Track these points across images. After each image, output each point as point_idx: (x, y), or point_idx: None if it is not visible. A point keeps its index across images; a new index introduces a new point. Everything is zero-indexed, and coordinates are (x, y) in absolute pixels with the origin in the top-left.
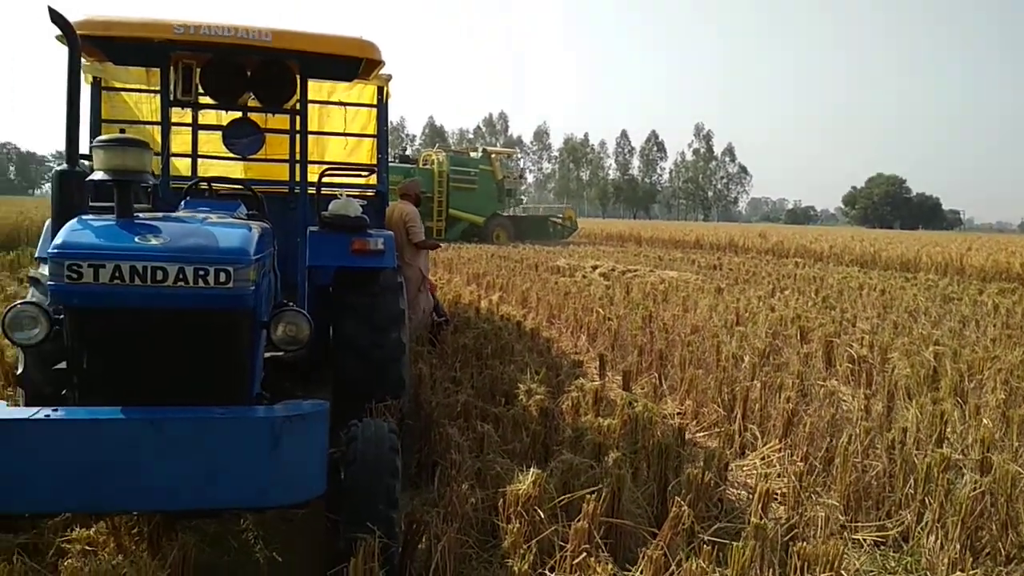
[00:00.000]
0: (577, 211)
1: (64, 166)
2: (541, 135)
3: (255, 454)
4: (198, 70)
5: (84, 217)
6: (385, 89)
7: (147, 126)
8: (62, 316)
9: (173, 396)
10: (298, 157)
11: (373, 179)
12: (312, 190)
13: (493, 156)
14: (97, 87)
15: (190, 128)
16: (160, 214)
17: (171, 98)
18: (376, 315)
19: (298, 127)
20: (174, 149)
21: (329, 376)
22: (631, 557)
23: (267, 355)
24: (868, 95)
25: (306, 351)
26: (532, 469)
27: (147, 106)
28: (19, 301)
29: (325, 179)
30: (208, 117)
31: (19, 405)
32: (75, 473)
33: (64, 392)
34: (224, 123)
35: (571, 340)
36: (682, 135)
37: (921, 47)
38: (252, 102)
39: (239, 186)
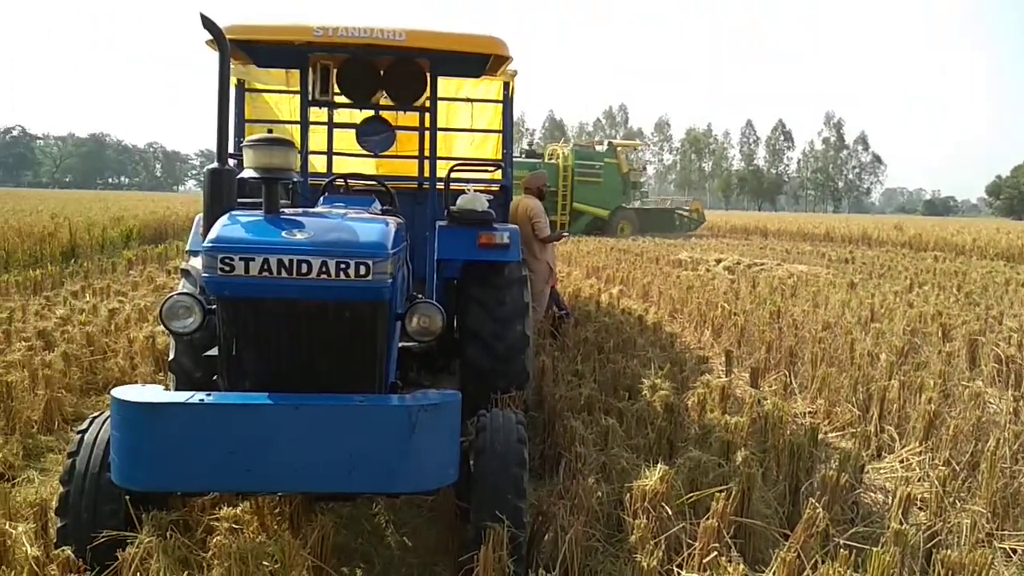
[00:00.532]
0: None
1: (215, 164)
2: (662, 126)
3: (392, 441)
4: (335, 70)
5: (235, 213)
6: (511, 84)
7: (287, 125)
8: (214, 306)
9: (315, 383)
10: (427, 153)
11: (498, 174)
12: (440, 185)
13: (619, 149)
14: (241, 89)
15: (326, 127)
16: (303, 210)
17: (310, 98)
18: (501, 307)
19: (427, 124)
20: (311, 147)
21: (454, 367)
22: (761, 558)
23: (399, 346)
24: (1015, 77)
25: (434, 342)
26: (659, 465)
27: (286, 106)
28: (175, 292)
29: (452, 174)
30: (342, 116)
31: (169, 390)
32: (225, 454)
33: (214, 377)
34: (357, 121)
35: (695, 335)
36: (811, 124)
37: None
38: (384, 100)
39: (373, 182)
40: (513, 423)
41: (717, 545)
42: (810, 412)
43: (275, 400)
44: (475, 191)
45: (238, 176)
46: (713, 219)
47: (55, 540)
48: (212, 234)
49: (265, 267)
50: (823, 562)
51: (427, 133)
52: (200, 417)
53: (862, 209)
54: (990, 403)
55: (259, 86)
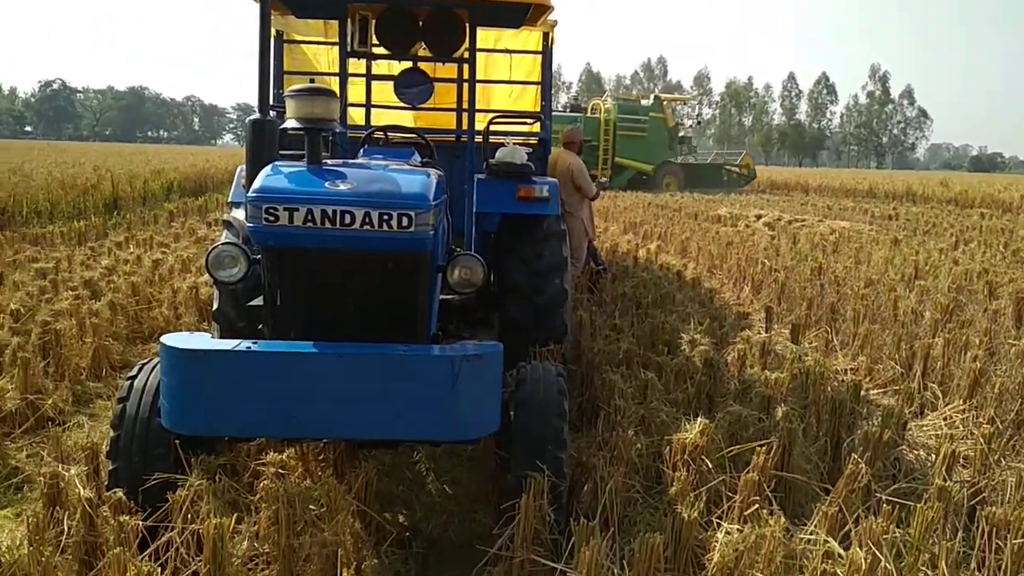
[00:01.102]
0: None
1: (257, 115)
2: (701, 79)
3: (435, 390)
4: (373, 21)
5: (278, 164)
6: (550, 35)
7: (325, 77)
8: (259, 256)
9: (358, 333)
10: (466, 105)
11: (537, 127)
12: (479, 138)
13: (665, 103)
14: (280, 40)
15: (364, 79)
16: (344, 161)
17: (348, 49)
18: (540, 261)
19: (466, 75)
20: (348, 100)
21: (492, 321)
22: (801, 512)
23: (439, 298)
24: None
25: (472, 295)
26: (699, 419)
27: (325, 58)
28: (220, 242)
29: (490, 127)
30: (380, 68)
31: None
32: (271, 401)
33: (259, 327)
34: (395, 73)
35: (734, 291)
36: (856, 77)
37: None
38: (423, 52)
39: (412, 135)
40: (553, 375)
41: (757, 498)
42: (851, 369)
43: (319, 349)
44: (514, 144)
45: (280, 127)
46: None
47: (107, 483)
48: (256, 184)
49: (309, 217)
50: (865, 517)
51: (466, 85)
52: (247, 364)
53: (906, 165)
54: None
55: (298, 37)
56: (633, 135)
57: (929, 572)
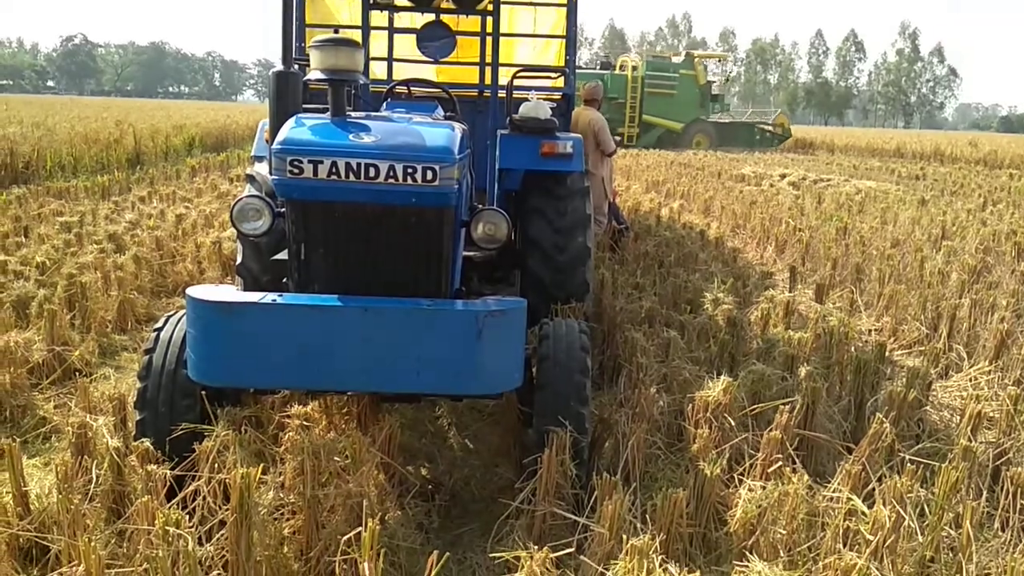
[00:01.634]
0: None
1: (280, 68)
2: (727, 36)
3: (459, 345)
4: None
5: (301, 116)
6: None
7: (347, 30)
8: (283, 209)
9: (382, 287)
10: (489, 59)
11: (561, 82)
12: (502, 93)
13: (697, 60)
14: None
15: (386, 32)
16: (370, 114)
17: (371, 1)
18: (563, 218)
19: (489, 29)
20: (371, 53)
21: (514, 278)
22: (823, 471)
23: (463, 254)
24: None
25: (494, 252)
26: (722, 377)
27: (347, 11)
28: (244, 195)
29: (514, 82)
30: (402, 21)
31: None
32: (296, 354)
33: (283, 280)
34: (418, 27)
35: (757, 251)
36: (885, 35)
37: None
38: (446, 4)
39: (436, 89)
40: (576, 332)
41: (780, 456)
42: (876, 329)
43: (344, 302)
44: (537, 99)
45: (304, 80)
46: None
47: (134, 433)
48: (280, 136)
49: (333, 170)
50: (889, 476)
51: (489, 39)
52: (272, 317)
53: (934, 125)
54: None
55: None
56: (662, 92)
57: (952, 531)
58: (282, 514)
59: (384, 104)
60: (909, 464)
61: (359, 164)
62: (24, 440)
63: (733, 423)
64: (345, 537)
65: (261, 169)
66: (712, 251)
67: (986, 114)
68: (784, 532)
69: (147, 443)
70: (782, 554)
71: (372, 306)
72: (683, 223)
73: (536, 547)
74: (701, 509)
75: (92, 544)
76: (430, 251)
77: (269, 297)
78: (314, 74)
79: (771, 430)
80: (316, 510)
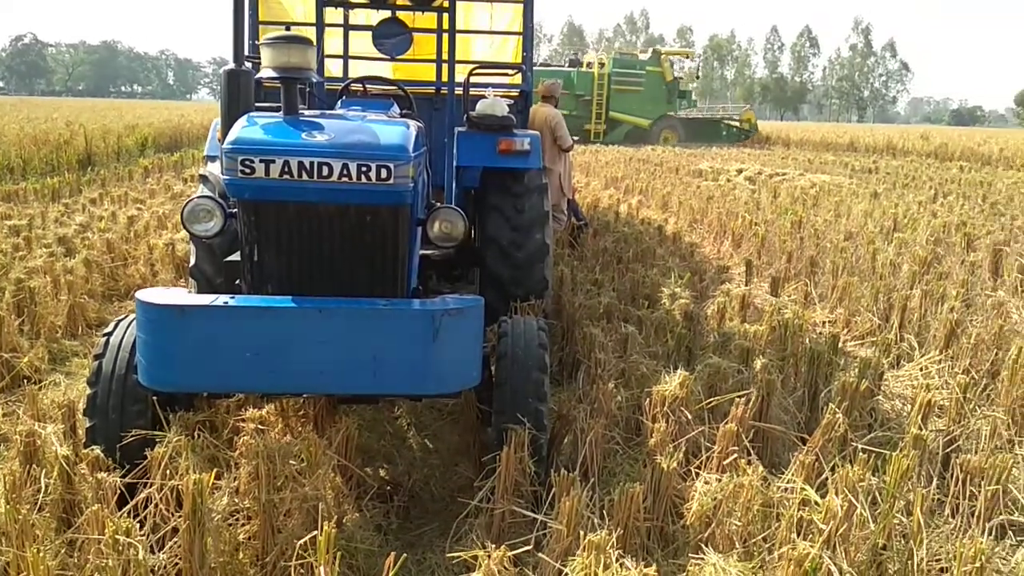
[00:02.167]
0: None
1: (231, 65)
2: (684, 33)
3: (416, 344)
4: None
5: (253, 115)
6: None
7: (301, 27)
8: (235, 210)
9: (337, 288)
10: (445, 56)
11: (518, 78)
12: (459, 90)
13: (663, 57)
14: None
15: (341, 29)
16: (323, 112)
17: None
18: (520, 215)
19: (445, 26)
20: (326, 51)
21: (473, 276)
22: (778, 462)
23: (420, 253)
24: None
25: (453, 250)
26: (679, 371)
27: (301, 7)
28: (196, 195)
29: (471, 79)
30: (357, 18)
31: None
32: (250, 357)
33: (236, 282)
34: (373, 24)
35: (714, 245)
36: (839, 30)
37: None
38: (402, 1)
39: (391, 86)
40: (535, 329)
41: (736, 448)
42: (830, 321)
43: (298, 303)
44: (494, 96)
45: (255, 77)
46: None
47: (84, 440)
48: (231, 135)
49: (286, 169)
50: (841, 465)
51: (445, 35)
52: (224, 319)
53: (887, 119)
54: (1012, 313)
55: None
56: (629, 89)
57: (904, 518)
58: (237, 519)
59: (339, 102)
60: (861, 453)
61: (312, 163)
62: None
63: (690, 416)
64: (301, 541)
65: (214, 169)
66: (670, 246)
67: (937, 108)
68: (739, 524)
69: (97, 450)
70: (737, 545)
71: (327, 307)
72: (641, 219)
73: (494, 546)
74: (658, 503)
75: (41, 555)
76: (386, 250)
77: (220, 299)
78: (266, 72)
79: (727, 423)
80: (271, 515)
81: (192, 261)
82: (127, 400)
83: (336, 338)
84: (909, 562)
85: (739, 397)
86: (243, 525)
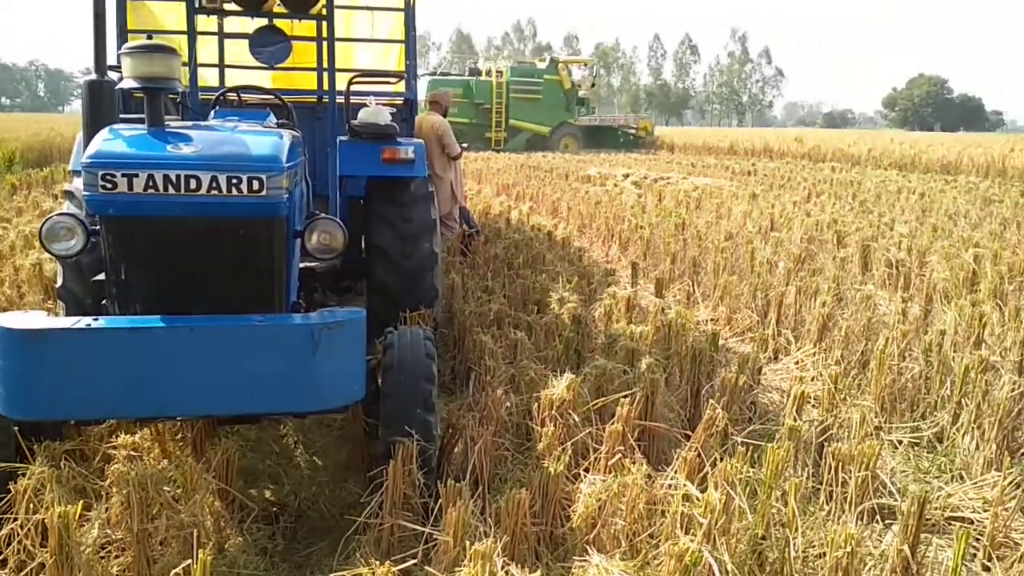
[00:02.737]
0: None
1: (93, 76)
2: (571, 40)
3: (294, 361)
4: None
5: (116, 127)
6: None
7: (173, 35)
8: (99, 227)
9: (211, 305)
10: (325, 65)
11: (402, 86)
12: (341, 99)
13: (560, 65)
14: None
15: (216, 37)
16: (191, 123)
17: (196, 5)
18: (407, 224)
19: (325, 34)
20: (200, 60)
21: (362, 287)
22: (664, 459)
23: (301, 265)
24: None
25: (339, 261)
26: (566, 374)
27: (172, 15)
28: (55, 213)
29: (353, 87)
30: (233, 26)
31: (58, 316)
32: (117, 381)
33: (104, 303)
34: (250, 31)
35: (603, 249)
36: (718, 37)
37: None
38: (278, 8)
39: (268, 95)
40: (421, 339)
41: (622, 448)
42: (712, 319)
43: (167, 323)
44: (378, 104)
45: (116, 87)
46: None
47: None
48: (91, 149)
49: (150, 183)
50: (721, 459)
51: (325, 43)
52: (87, 342)
53: (765, 123)
54: (880, 305)
55: None
56: (528, 97)
57: (781, 507)
58: (109, 552)
59: (212, 112)
60: (740, 447)
61: (178, 176)
62: None
63: (577, 419)
64: (176, 570)
65: (80, 184)
66: (559, 251)
67: (811, 111)
68: (624, 523)
69: None
70: (623, 544)
71: (198, 325)
72: (532, 225)
73: (378, 562)
74: (547, 507)
75: None
76: (261, 264)
77: (83, 322)
78: (127, 83)
79: (613, 423)
80: (146, 544)
81: (59, 282)
82: None
83: (209, 358)
84: (786, 550)
85: (624, 397)
86: (116, 557)
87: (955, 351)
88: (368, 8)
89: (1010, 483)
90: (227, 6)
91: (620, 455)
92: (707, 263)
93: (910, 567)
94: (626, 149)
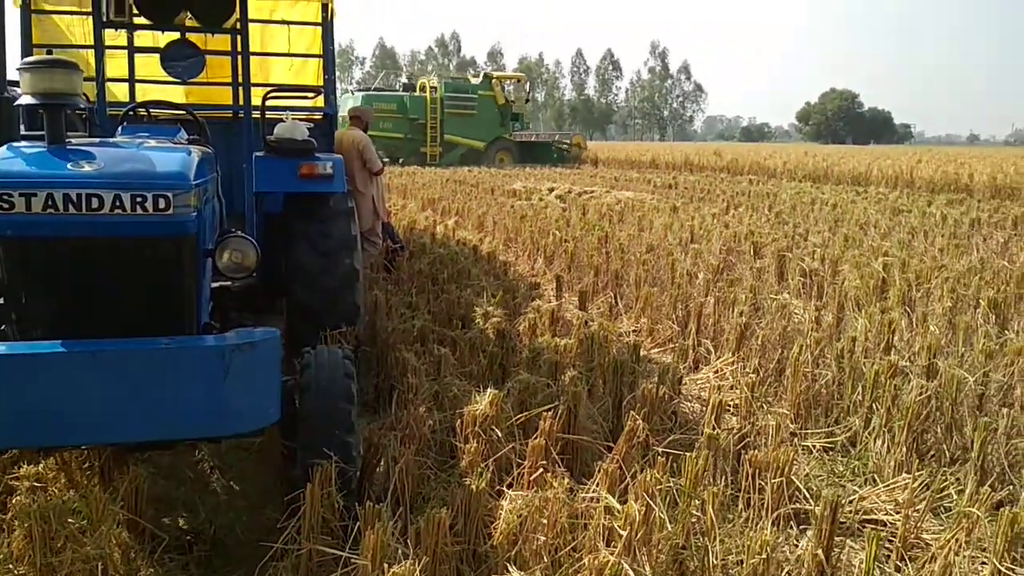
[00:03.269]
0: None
1: None
2: (495, 55)
3: (205, 384)
4: None
5: (14, 144)
6: (330, 6)
7: (81, 50)
8: None
9: (118, 328)
10: (240, 79)
11: (320, 101)
12: (256, 114)
13: (494, 81)
14: (26, 10)
15: (126, 51)
16: (94, 140)
17: (103, 19)
18: (327, 241)
19: (239, 48)
20: (111, 74)
21: (282, 306)
22: (587, 471)
23: (215, 285)
24: (820, 10)
25: (256, 280)
26: (489, 390)
27: (80, 29)
28: None
29: (269, 102)
30: (145, 39)
31: None
32: (18, 409)
33: (2, 327)
34: (162, 45)
35: (528, 263)
36: (638, 53)
37: None
38: (190, 22)
39: (179, 111)
40: (339, 358)
41: (545, 462)
42: (634, 331)
43: (70, 348)
44: (295, 119)
45: (15, 103)
46: None
47: None
48: None
49: (50, 203)
50: (642, 470)
51: (239, 57)
52: None
53: (685, 137)
54: (795, 313)
55: (47, 7)
56: (462, 113)
57: (700, 516)
58: None
59: (120, 129)
60: (660, 457)
61: (80, 195)
62: None
63: (500, 434)
64: None
65: None
66: (485, 265)
67: (730, 125)
68: (545, 538)
69: None
70: (545, 559)
71: (102, 350)
72: (458, 239)
73: None
74: (469, 525)
75: None
76: (169, 285)
77: None
78: (25, 99)
79: (535, 438)
80: None
81: None
82: None
83: (114, 383)
84: (706, 558)
85: (547, 411)
86: None
87: (866, 357)
88: (285, 22)
89: (920, 485)
90: (137, 20)
91: (543, 469)
92: (629, 275)
93: (825, 571)
94: (561, 164)
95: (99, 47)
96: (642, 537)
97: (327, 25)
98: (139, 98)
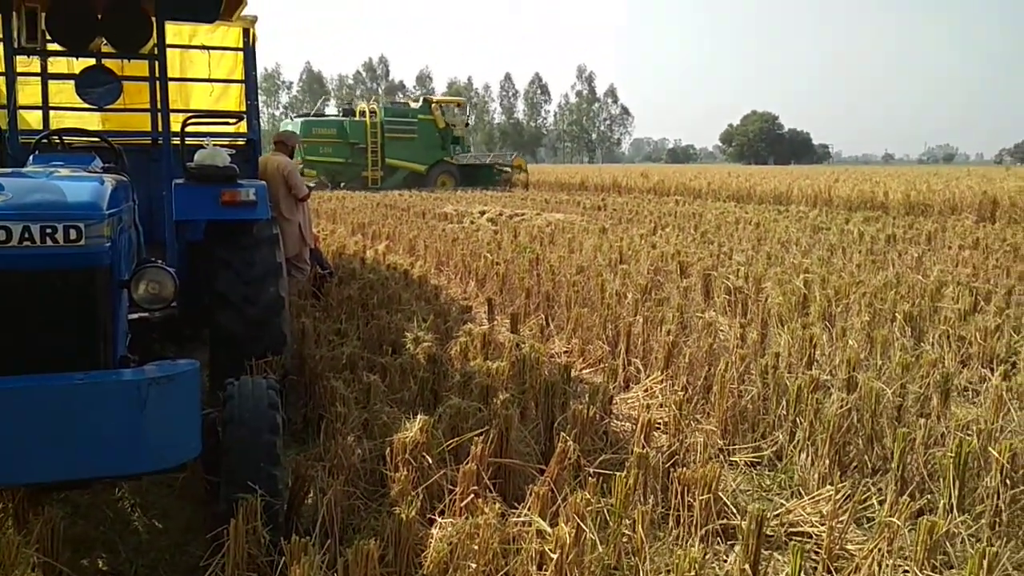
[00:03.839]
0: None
1: None
2: (424, 79)
3: (120, 419)
4: (43, 14)
5: None
6: (251, 31)
7: None
8: None
9: (29, 364)
10: (159, 105)
11: (243, 127)
12: (176, 140)
13: (434, 105)
14: None
15: (40, 78)
16: (3, 170)
17: (15, 45)
18: (251, 269)
19: (157, 73)
20: (24, 101)
21: (207, 336)
22: (520, 495)
23: (133, 316)
24: (739, 35)
25: (176, 310)
26: (420, 416)
27: None
28: None
29: (190, 128)
30: (59, 65)
31: None
32: None
33: None
34: (77, 71)
35: (460, 286)
36: (566, 77)
37: None
38: (105, 47)
39: (93, 138)
40: (264, 388)
41: (476, 488)
42: (565, 352)
43: None
44: (216, 145)
45: None
46: None
47: None
48: None
49: None
50: (573, 492)
51: (157, 83)
52: None
53: (614, 159)
54: (721, 330)
55: None
56: (403, 137)
57: (631, 535)
58: None
59: (31, 158)
60: (591, 478)
61: None
62: None
63: (431, 461)
64: None
65: None
66: (416, 290)
67: (656, 147)
68: (477, 565)
69: None
70: None
71: (11, 387)
72: (388, 264)
73: None
74: (399, 555)
75: None
76: (82, 318)
77: None
78: None
79: (467, 463)
80: None
81: None
82: None
83: (27, 421)
84: None
85: (479, 435)
86: None
87: (789, 372)
88: (205, 47)
89: (843, 496)
90: (50, 46)
91: (474, 495)
92: (560, 297)
93: None
94: (503, 187)
95: (10, 74)
96: (573, 559)
97: (249, 50)
98: (54, 126)
